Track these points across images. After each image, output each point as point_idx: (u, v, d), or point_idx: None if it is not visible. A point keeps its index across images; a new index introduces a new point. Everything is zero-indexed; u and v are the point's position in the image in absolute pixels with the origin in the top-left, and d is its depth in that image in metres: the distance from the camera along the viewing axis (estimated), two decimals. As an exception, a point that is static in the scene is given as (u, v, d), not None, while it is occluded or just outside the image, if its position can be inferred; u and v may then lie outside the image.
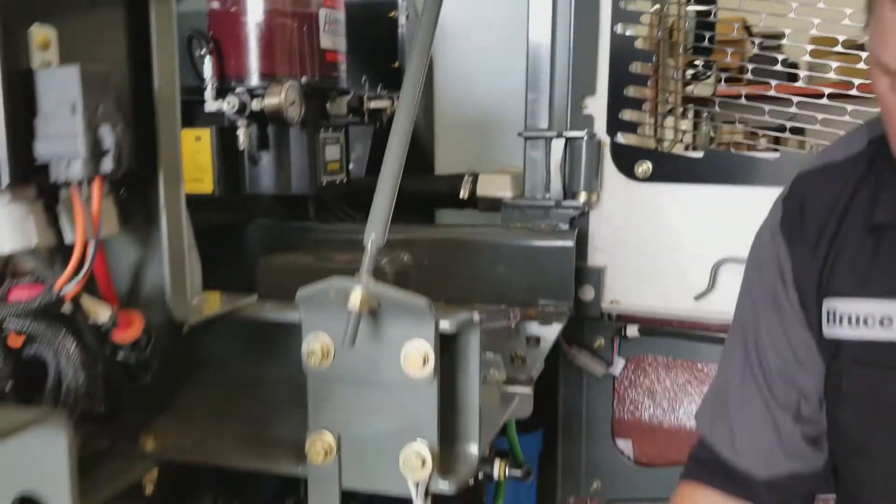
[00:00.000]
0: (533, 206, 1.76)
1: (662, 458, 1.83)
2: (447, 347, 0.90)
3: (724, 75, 1.93)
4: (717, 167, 1.65)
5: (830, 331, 1.02)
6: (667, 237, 1.72)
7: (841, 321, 1.01)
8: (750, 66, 1.69)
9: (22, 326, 0.78)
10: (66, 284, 0.78)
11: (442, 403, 0.90)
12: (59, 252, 0.82)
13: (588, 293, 1.78)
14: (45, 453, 0.63)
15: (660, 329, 1.74)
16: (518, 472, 1.37)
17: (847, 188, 1.02)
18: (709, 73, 2.13)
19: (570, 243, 1.69)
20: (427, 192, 1.99)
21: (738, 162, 1.66)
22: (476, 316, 0.89)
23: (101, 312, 0.85)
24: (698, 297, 1.68)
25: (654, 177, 1.71)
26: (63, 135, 0.75)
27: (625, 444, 1.87)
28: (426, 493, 0.86)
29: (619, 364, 1.81)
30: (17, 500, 0.62)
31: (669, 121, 2.01)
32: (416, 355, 0.85)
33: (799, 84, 1.65)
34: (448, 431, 0.92)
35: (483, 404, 1.14)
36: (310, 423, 0.91)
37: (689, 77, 2.17)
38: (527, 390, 1.32)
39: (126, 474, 0.94)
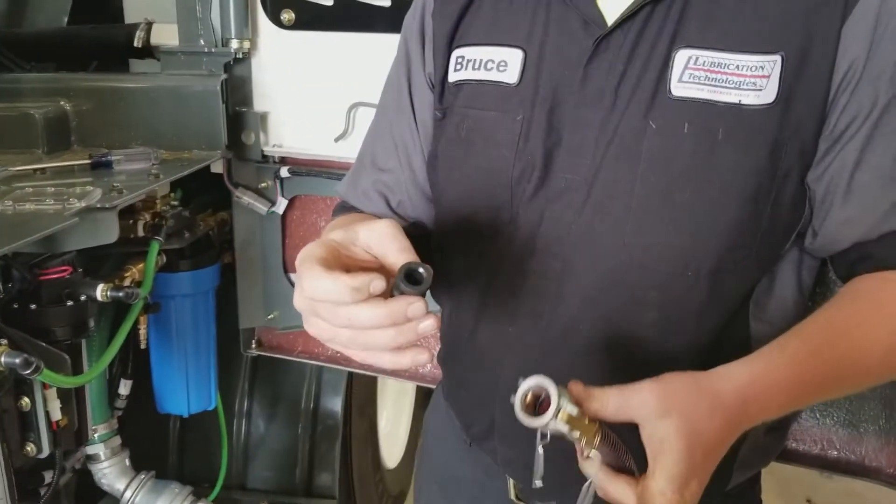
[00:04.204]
0: (188, 52, 1.83)
1: (326, 288, 2.02)
2: None
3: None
4: (345, 14, 1.75)
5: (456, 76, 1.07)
6: (313, 83, 1.83)
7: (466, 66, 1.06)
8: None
9: None
10: None
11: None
12: None
13: (249, 137, 1.90)
14: None
15: (306, 170, 1.88)
16: (121, 293, 1.52)
17: None
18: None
19: (215, 87, 1.79)
20: (103, 41, 2.02)
21: (359, 9, 1.73)
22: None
23: None
24: (337, 139, 1.82)
25: (298, 24, 1.80)
26: None
27: (296, 277, 2.04)
28: None
29: (282, 203, 1.96)
30: None
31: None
32: None
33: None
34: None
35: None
36: None
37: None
38: (109, 216, 1.44)
39: None
